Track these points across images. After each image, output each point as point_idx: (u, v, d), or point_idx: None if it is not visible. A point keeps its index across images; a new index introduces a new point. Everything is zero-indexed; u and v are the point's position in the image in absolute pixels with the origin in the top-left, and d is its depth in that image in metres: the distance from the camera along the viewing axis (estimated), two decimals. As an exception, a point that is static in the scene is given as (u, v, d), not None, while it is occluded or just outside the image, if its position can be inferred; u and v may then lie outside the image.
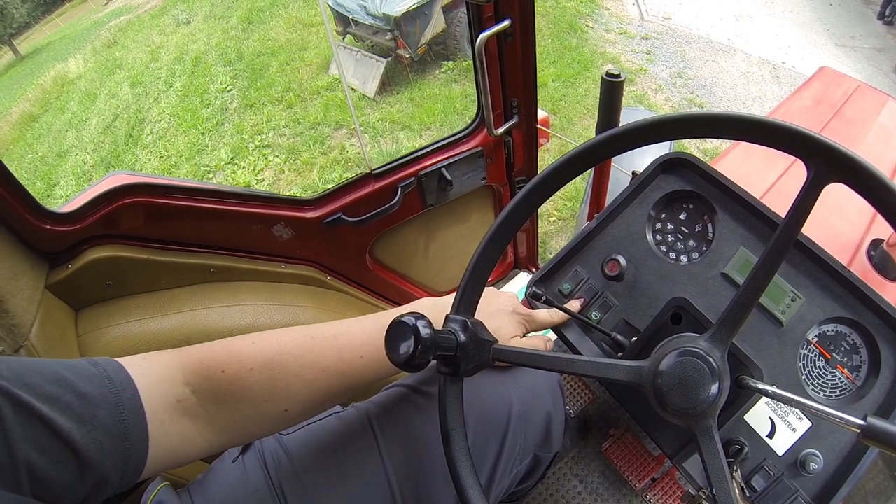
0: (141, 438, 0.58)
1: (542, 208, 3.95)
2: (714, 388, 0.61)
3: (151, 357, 0.66)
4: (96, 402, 0.55)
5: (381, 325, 0.77)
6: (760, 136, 0.63)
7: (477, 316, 0.78)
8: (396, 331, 0.62)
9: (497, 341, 0.75)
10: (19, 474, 0.47)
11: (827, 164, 0.59)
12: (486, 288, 0.93)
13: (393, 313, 0.84)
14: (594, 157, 0.75)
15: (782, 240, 0.62)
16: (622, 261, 1.01)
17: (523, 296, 1.05)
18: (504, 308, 0.92)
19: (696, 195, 1.03)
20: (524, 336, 0.94)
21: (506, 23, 1.31)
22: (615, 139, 0.72)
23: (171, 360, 0.67)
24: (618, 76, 1.12)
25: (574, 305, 1.03)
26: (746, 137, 0.65)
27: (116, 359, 0.62)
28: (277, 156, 5.82)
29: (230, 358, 0.70)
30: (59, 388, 0.53)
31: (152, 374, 0.63)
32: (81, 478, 0.52)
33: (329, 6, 6.75)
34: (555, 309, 0.99)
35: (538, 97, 1.53)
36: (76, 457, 0.51)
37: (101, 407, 0.55)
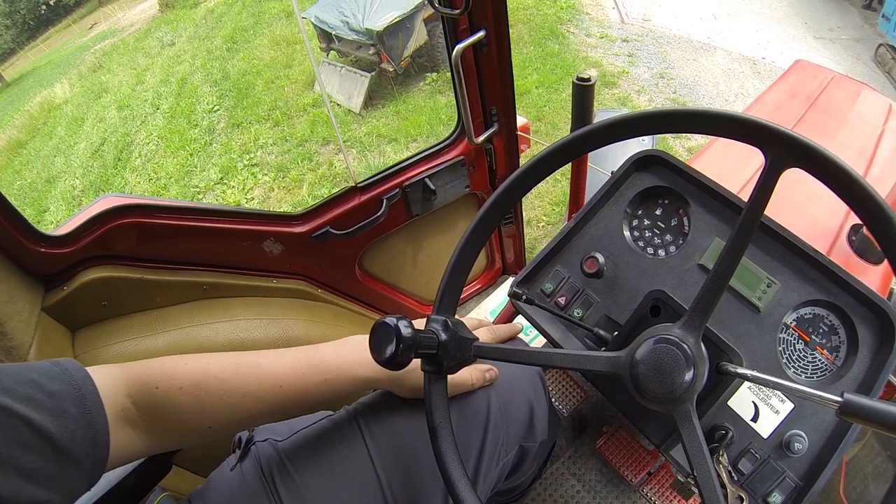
0: (103, 424, 0.64)
1: (531, 214, 3.98)
2: (689, 373, 0.63)
3: (102, 369, 0.72)
4: (63, 397, 0.61)
5: (305, 357, 0.84)
6: (717, 128, 0.66)
7: None
8: (379, 332, 0.65)
9: (478, 339, 0.78)
10: (7, 471, 0.52)
11: (781, 150, 0.62)
12: None
13: (324, 347, 0.88)
14: (559, 160, 0.79)
15: (746, 224, 0.65)
16: (600, 258, 1.03)
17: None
18: None
19: (670, 190, 1.06)
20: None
21: (480, 34, 1.34)
22: (583, 137, 0.76)
23: (119, 373, 0.73)
24: (588, 80, 1.15)
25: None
26: (704, 130, 0.67)
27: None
28: (266, 174, 5.84)
29: (163, 376, 0.75)
30: (32, 388, 0.58)
31: (101, 385, 0.68)
32: (61, 466, 0.58)
33: (311, 23, 6.79)
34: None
35: (522, 104, 1.56)
36: (54, 447, 0.57)
37: (69, 401, 0.61)
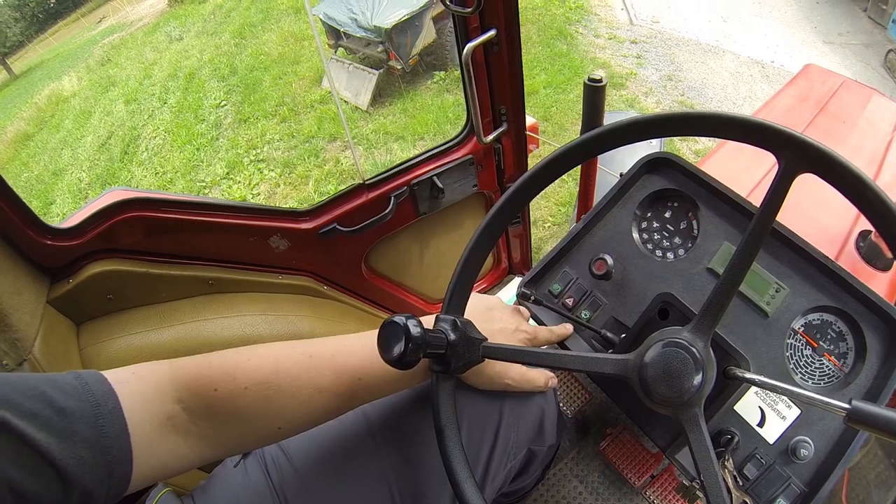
0: (123, 450, 0.58)
1: (537, 214, 3.98)
2: (698, 377, 0.62)
3: (141, 371, 0.65)
4: (76, 415, 0.54)
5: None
6: (731, 132, 0.66)
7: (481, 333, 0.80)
8: (388, 331, 0.65)
9: (487, 339, 0.77)
10: (1, 492, 0.47)
11: (795, 155, 0.62)
12: (491, 304, 0.94)
13: None
14: (570, 161, 0.78)
15: (757, 230, 0.65)
16: (609, 260, 1.03)
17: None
18: (507, 327, 0.92)
19: (679, 193, 1.05)
20: None
21: (491, 32, 1.33)
22: (595, 139, 0.75)
23: (162, 375, 0.66)
24: (599, 80, 1.14)
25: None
26: (719, 134, 0.67)
27: (105, 371, 0.62)
28: (272, 170, 5.85)
29: (224, 376, 0.69)
30: (39, 403, 0.52)
31: (141, 391, 0.63)
32: (65, 493, 0.52)
33: (320, 20, 6.80)
34: (560, 325, 1.00)
35: (529, 104, 1.56)
36: (57, 472, 0.51)
37: (81, 421, 0.54)
